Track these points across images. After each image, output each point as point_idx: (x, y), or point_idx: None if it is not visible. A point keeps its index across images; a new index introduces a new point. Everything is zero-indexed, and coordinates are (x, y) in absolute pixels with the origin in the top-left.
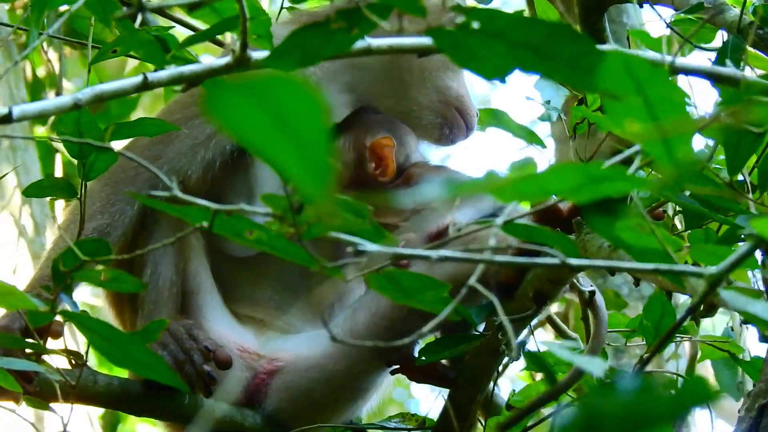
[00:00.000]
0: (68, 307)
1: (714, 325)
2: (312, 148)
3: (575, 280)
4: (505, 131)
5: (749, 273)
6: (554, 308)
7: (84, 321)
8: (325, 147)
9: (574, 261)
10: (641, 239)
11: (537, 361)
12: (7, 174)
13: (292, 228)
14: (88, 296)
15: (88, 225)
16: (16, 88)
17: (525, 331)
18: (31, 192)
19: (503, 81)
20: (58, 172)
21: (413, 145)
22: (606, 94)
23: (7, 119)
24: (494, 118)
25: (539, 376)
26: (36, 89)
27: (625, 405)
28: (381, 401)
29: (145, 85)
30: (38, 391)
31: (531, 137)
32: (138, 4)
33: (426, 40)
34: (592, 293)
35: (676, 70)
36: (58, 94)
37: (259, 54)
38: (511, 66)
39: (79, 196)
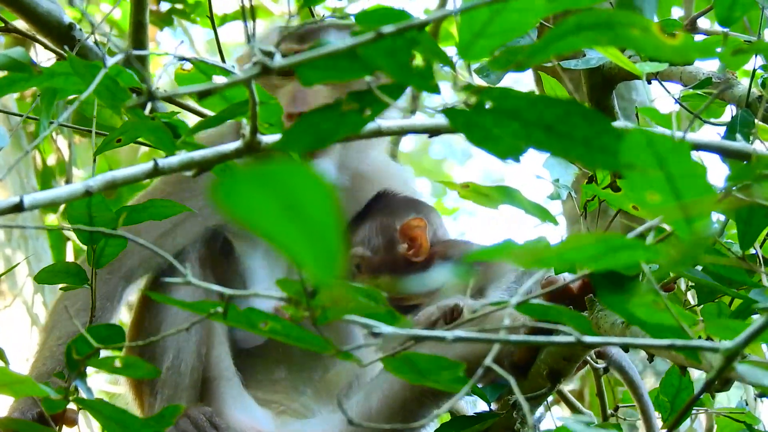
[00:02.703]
0: (83, 394)
1: (729, 398)
2: (322, 236)
3: (588, 357)
4: (518, 209)
5: (763, 346)
6: (570, 386)
7: (98, 407)
8: (334, 234)
9: (589, 339)
10: (655, 315)
11: None
12: (19, 264)
13: (306, 312)
14: (104, 384)
15: (61, 332)
16: (26, 177)
17: (540, 409)
18: (42, 278)
19: (517, 160)
20: (70, 259)
21: (438, 221)
22: (627, 167)
23: (19, 208)
24: (506, 195)
25: None
26: (46, 178)
27: None
28: None
29: (156, 171)
30: None
31: (543, 215)
32: (147, 93)
33: (435, 121)
34: (606, 369)
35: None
36: (68, 182)
37: (269, 138)
38: (526, 145)
39: (89, 283)
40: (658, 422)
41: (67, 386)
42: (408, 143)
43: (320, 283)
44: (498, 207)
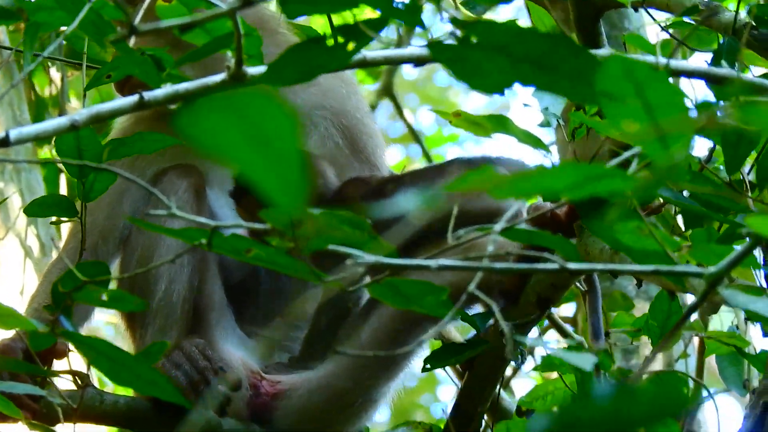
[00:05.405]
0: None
1: (722, 321)
2: (285, 164)
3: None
4: (510, 137)
5: (755, 271)
6: (565, 311)
7: (84, 341)
8: (297, 162)
9: (573, 265)
10: (641, 241)
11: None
12: (9, 196)
13: (291, 242)
14: (111, 314)
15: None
16: (19, 110)
17: (533, 336)
18: (32, 211)
19: (502, 94)
20: (63, 193)
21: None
22: (605, 96)
23: (5, 143)
24: (498, 124)
25: (553, 376)
26: (39, 111)
27: (600, 411)
28: (407, 405)
29: (142, 105)
30: (44, 413)
31: (535, 142)
32: (130, 28)
33: (419, 51)
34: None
35: (671, 73)
36: (61, 115)
37: (255, 70)
38: (512, 80)
39: (79, 216)
40: (648, 347)
41: (54, 320)
42: (412, 71)
43: (284, 210)
44: (490, 135)
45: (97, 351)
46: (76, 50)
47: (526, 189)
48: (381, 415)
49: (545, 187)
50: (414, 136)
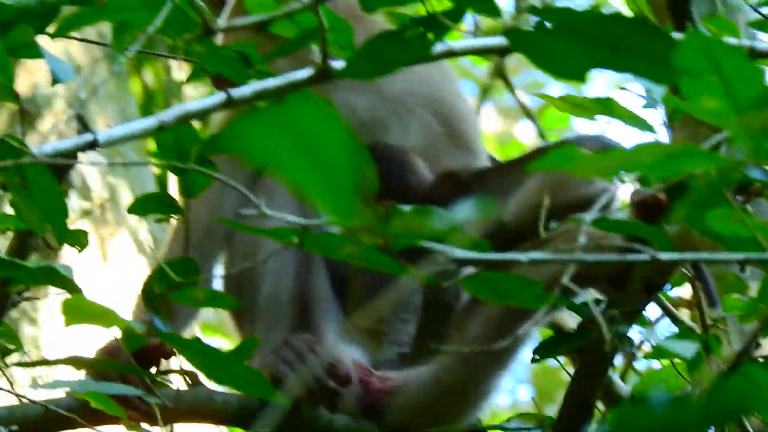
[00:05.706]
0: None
1: None
2: (338, 176)
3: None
4: (616, 119)
5: None
6: (683, 294)
7: (179, 340)
8: (350, 176)
9: (664, 255)
10: (732, 227)
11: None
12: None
13: (380, 239)
14: None
15: None
16: (127, 104)
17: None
18: (136, 209)
19: (581, 80)
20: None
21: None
22: (682, 73)
23: (94, 145)
24: (603, 106)
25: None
26: (148, 104)
27: (655, 422)
28: (552, 383)
29: (230, 102)
30: (151, 414)
31: (642, 124)
32: (205, 28)
33: (501, 40)
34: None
35: (755, 54)
36: (165, 108)
37: (340, 64)
38: (590, 65)
39: (182, 214)
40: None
41: (149, 321)
42: None
43: (340, 223)
44: (593, 118)
45: (192, 350)
46: (178, 45)
47: (608, 167)
48: (526, 393)
49: (627, 164)
50: (527, 115)
